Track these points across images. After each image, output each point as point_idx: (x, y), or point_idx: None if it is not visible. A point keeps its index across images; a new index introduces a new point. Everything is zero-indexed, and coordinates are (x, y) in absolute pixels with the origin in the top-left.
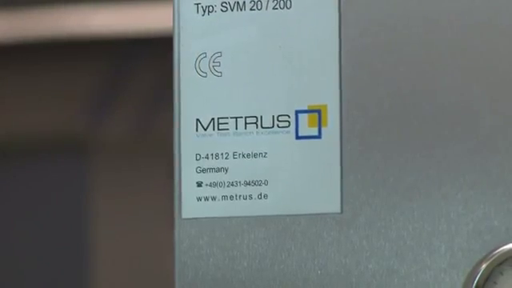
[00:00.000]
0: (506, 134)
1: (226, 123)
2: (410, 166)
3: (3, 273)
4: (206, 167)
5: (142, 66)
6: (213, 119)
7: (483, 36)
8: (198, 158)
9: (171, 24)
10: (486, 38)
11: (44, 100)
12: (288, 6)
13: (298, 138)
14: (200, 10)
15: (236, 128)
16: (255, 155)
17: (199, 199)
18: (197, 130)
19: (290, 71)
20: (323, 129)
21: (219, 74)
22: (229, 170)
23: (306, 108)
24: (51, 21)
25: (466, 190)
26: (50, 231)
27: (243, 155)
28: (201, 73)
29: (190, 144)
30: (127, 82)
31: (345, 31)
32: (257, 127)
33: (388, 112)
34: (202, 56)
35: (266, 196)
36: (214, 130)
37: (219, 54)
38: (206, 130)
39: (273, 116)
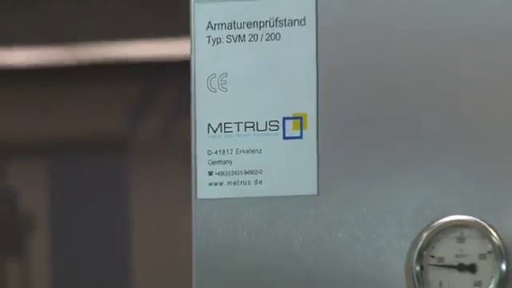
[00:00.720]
0: (443, 136)
1: (231, 127)
2: (371, 159)
3: (64, 251)
4: (215, 160)
5: (168, 84)
6: (220, 124)
7: (431, 64)
8: (210, 153)
9: (189, 52)
10: (433, 66)
11: (95, 110)
12: (278, 38)
13: (284, 138)
14: (210, 41)
15: (238, 130)
16: (252, 151)
17: (210, 184)
18: (208, 132)
19: (279, 88)
20: (304, 131)
21: (225, 90)
22: (233, 163)
23: (291, 115)
24: (104, 51)
25: (413, 177)
26: (98, 212)
27: (243, 151)
28: (211, 89)
29: (203, 143)
30: (157, 96)
31: (321, 57)
32: (253, 130)
33: (354, 119)
34: (212, 76)
35: (261, 182)
36: (221, 132)
37: (225, 75)
38: (215, 132)
39: (266, 121)
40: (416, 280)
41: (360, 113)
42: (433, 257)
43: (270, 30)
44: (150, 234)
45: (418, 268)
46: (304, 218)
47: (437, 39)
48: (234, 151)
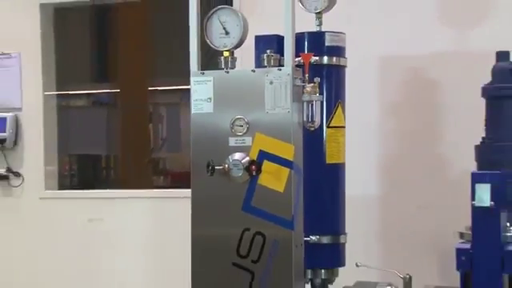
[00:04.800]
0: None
1: (196, 100)
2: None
3: None
4: (195, 104)
5: None
6: (196, 99)
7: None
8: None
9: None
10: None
11: None
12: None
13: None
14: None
15: (201, 101)
16: (200, 102)
17: (194, 109)
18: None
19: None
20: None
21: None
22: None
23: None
24: None
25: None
26: None
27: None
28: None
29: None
30: None
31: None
32: (197, 100)
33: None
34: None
35: (202, 109)
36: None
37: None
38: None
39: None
40: None
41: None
42: None
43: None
44: None
45: None
46: (207, 115)
47: None
48: (194, 102)
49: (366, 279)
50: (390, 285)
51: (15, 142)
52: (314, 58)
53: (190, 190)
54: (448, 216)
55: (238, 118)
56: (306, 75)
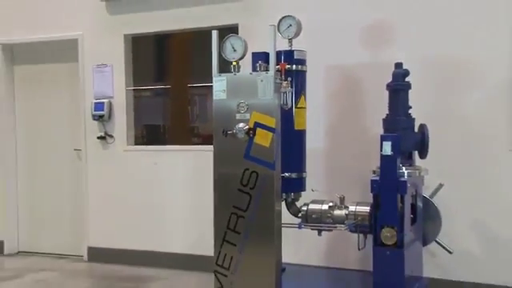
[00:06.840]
0: None
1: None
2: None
3: None
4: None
5: None
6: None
7: None
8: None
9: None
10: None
11: None
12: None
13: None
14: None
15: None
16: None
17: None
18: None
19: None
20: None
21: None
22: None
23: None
24: None
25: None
26: None
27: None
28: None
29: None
30: None
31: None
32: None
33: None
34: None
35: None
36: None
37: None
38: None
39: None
40: None
41: None
42: None
43: None
44: None
45: None
46: (222, 100)
47: None
48: (215, 92)
49: (318, 198)
50: (331, 201)
51: (109, 117)
52: (288, 66)
53: (212, 146)
54: (367, 161)
55: (241, 102)
56: (283, 76)
